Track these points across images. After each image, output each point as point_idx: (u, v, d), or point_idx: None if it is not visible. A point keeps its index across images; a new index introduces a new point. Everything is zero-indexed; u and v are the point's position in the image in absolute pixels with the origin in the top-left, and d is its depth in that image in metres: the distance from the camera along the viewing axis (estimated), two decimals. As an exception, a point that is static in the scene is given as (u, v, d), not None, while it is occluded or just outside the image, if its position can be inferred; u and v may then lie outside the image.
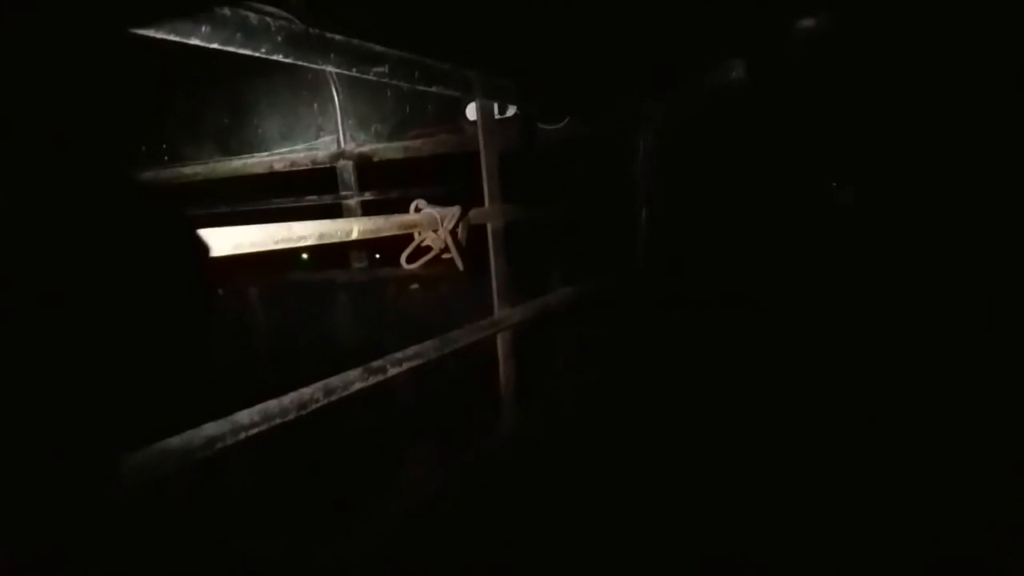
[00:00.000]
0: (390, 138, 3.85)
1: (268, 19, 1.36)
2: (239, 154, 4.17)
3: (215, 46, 1.27)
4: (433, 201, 2.06)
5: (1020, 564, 2.14)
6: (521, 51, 3.31)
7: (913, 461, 2.75)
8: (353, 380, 1.65)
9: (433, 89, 2.08)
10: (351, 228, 1.67)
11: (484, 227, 2.37)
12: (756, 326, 3.76)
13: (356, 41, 1.64)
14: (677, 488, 2.71)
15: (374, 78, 1.76)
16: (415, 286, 3.27)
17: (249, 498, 3.01)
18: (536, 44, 3.46)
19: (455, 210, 2.04)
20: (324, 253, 3.97)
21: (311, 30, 1.50)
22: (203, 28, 1.23)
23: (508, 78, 2.44)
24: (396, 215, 1.93)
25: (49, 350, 1.12)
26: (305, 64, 1.54)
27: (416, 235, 2.05)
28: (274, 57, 1.40)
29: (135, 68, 3.67)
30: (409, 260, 2.09)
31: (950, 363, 3.35)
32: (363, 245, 3.84)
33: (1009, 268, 3.59)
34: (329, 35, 1.55)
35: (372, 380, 1.71)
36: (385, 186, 3.85)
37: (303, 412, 1.47)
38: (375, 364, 1.75)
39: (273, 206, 4.11)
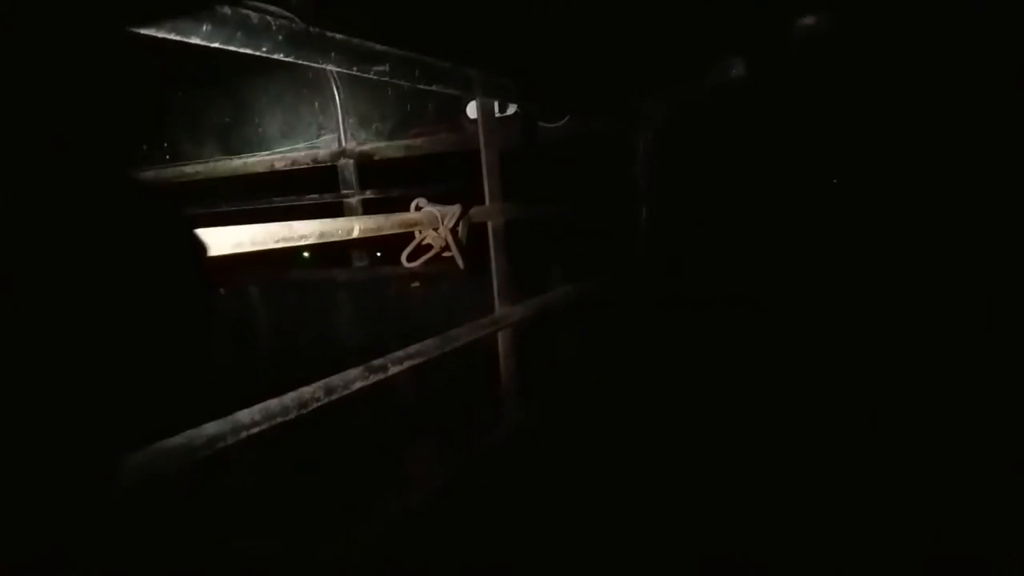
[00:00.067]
0: (391, 136, 3.85)
1: (269, 18, 1.36)
2: (240, 153, 4.17)
3: (216, 45, 1.27)
4: (434, 199, 2.06)
5: (1021, 564, 2.14)
6: (521, 50, 3.31)
7: (913, 460, 2.75)
8: (354, 379, 1.65)
9: (434, 88, 2.08)
10: (352, 227, 1.67)
11: (485, 225, 2.38)
12: (756, 326, 3.76)
13: (356, 40, 1.64)
14: (677, 488, 2.71)
15: (375, 77, 1.76)
16: (416, 284, 3.27)
17: (250, 497, 3.01)
18: (536, 43, 3.46)
19: (456, 208, 2.04)
20: (325, 251, 3.97)
21: (311, 29, 1.50)
22: (204, 27, 1.23)
23: (508, 77, 2.45)
24: (397, 214, 1.93)
25: (50, 350, 1.12)
26: (306, 63, 1.54)
27: (417, 233, 2.06)
28: (275, 56, 1.40)
29: (136, 67, 3.67)
30: (410, 258, 2.09)
31: (951, 362, 3.35)
32: (364, 243, 3.84)
33: (1011, 267, 3.58)
34: (329, 34, 1.55)
35: (373, 379, 1.71)
36: (386, 184, 3.85)
37: (304, 411, 1.48)
38: (376, 362, 1.75)
39: (274, 205, 4.12)
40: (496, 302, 2.42)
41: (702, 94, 3.83)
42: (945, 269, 3.71)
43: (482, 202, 2.35)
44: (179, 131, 4.32)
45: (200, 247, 1.24)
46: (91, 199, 1.32)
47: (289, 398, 1.46)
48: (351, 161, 3.86)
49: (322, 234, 1.56)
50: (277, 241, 1.43)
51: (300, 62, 1.51)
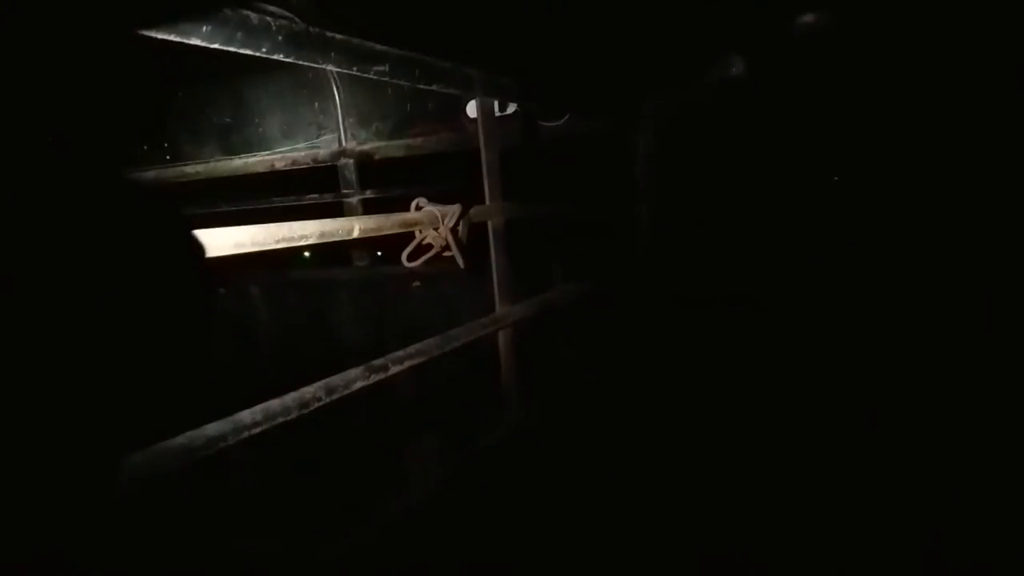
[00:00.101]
0: (391, 136, 3.85)
1: (269, 19, 1.36)
2: (240, 153, 4.17)
3: (216, 46, 1.27)
4: (434, 199, 2.06)
5: (1021, 564, 2.14)
6: (521, 48, 3.31)
7: (915, 459, 2.75)
8: (355, 378, 1.66)
9: (434, 87, 2.09)
10: (352, 227, 1.67)
11: (485, 225, 2.38)
12: (756, 326, 3.76)
13: (356, 40, 1.65)
14: (677, 487, 2.72)
15: (375, 77, 1.76)
16: (416, 284, 3.27)
17: (251, 497, 3.01)
18: (536, 41, 3.46)
19: (456, 208, 2.04)
20: (326, 251, 3.98)
21: (311, 29, 1.50)
22: (204, 28, 1.23)
23: (508, 76, 2.45)
24: (397, 213, 1.93)
25: (51, 350, 1.12)
26: (306, 63, 1.54)
27: (417, 233, 2.06)
28: (275, 57, 1.40)
29: (136, 67, 3.67)
30: (410, 258, 2.09)
31: (952, 361, 3.35)
32: (364, 243, 3.84)
33: (1013, 265, 3.58)
34: (329, 34, 1.55)
35: (374, 378, 1.72)
36: (386, 184, 3.85)
37: (305, 411, 1.48)
38: (377, 362, 1.75)
39: (274, 205, 4.12)
40: (496, 301, 2.42)
41: (702, 92, 3.82)
42: (947, 267, 3.71)
43: (482, 201, 2.35)
44: (179, 131, 4.33)
45: (201, 247, 1.24)
46: (92, 199, 1.32)
47: (290, 398, 1.46)
48: (351, 161, 3.86)
49: (322, 234, 1.57)
50: (278, 241, 1.43)
51: (300, 63, 1.51)
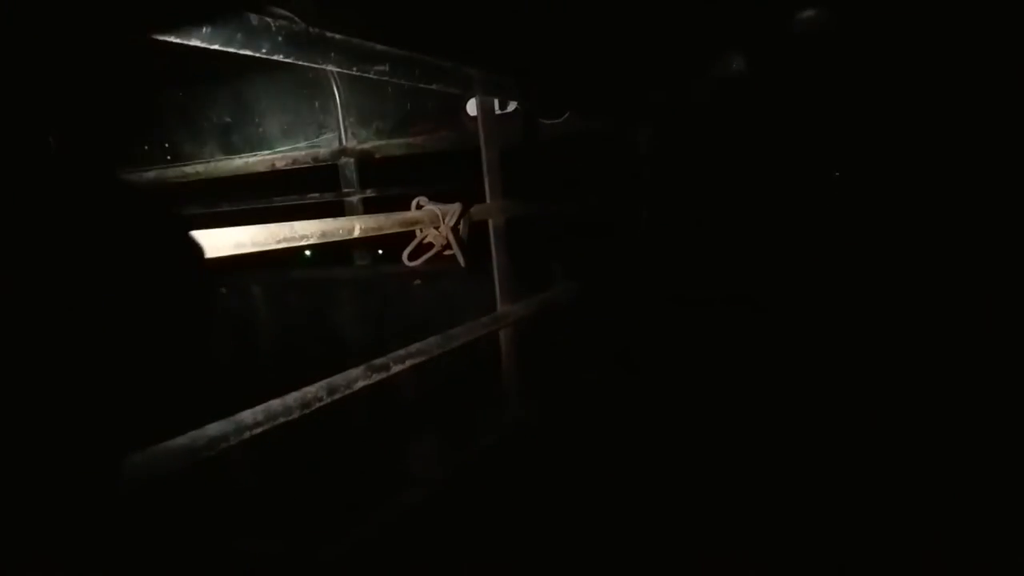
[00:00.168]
0: (391, 135, 3.85)
1: (268, 19, 1.36)
2: (241, 152, 4.17)
3: (216, 47, 1.27)
4: (435, 198, 2.06)
5: (1021, 564, 2.14)
6: (522, 47, 3.31)
7: (916, 459, 2.75)
8: (356, 378, 1.66)
9: (434, 87, 2.09)
10: (353, 226, 1.67)
11: (486, 223, 2.38)
12: (756, 325, 3.76)
13: (356, 40, 1.64)
14: (677, 487, 2.72)
15: (375, 76, 1.76)
16: (417, 283, 3.27)
17: (252, 497, 3.01)
18: (536, 40, 3.45)
19: (456, 207, 2.04)
20: (327, 250, 3.98)
21: (311, 29, 1.50)
22: (204, 29, 1.23)
23: (509, 74, 2.45)
24: (398, 212, 1.93)
25: (52, 350, 1.12)
26: (306, 64, 1.54)
27: (418, 232, 2.06)
28: (275, 57, 1.40)
29: (136, 67, 3.67)
30: (411, 257, 2.09)
31: (954, 360, 3.35)
32: (365, 242, 3.84)
33: (1014, 263, 3.57)
34: (329, 34, 1.55)
35: (375, 378, 1.72)
36: (387, 183, 3.85)
37: (306, 411, 1.48)
38: (378, 362, 1.75)
39: (275, 204, 4.12)
40: (498, 300, 2.42)
41: (703, 90, 3.82)
42: (948, 263, 3.70)
43: (483, 200, 2.35)
44: (180, 131, 4.32)
45: (201, 247, 1.24)
46: (92, 199, 1.32)
47: (292, 398, 1.46)
48: (352, 160, 3.86)
49: (323, 234, 1.57)
50: (279, 241, 1.43)
51: (300, 63, 1.51)
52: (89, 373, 1.19)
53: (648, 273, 3.65)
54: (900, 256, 3.83)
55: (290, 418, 1.44)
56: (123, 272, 1.32)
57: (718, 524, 2.46)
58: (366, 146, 3.87)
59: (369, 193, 3.85)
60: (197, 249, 1.24)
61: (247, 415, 1.34)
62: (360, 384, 1.66)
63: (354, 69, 1.69)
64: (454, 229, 2.04)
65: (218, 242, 1.28)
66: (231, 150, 4.20)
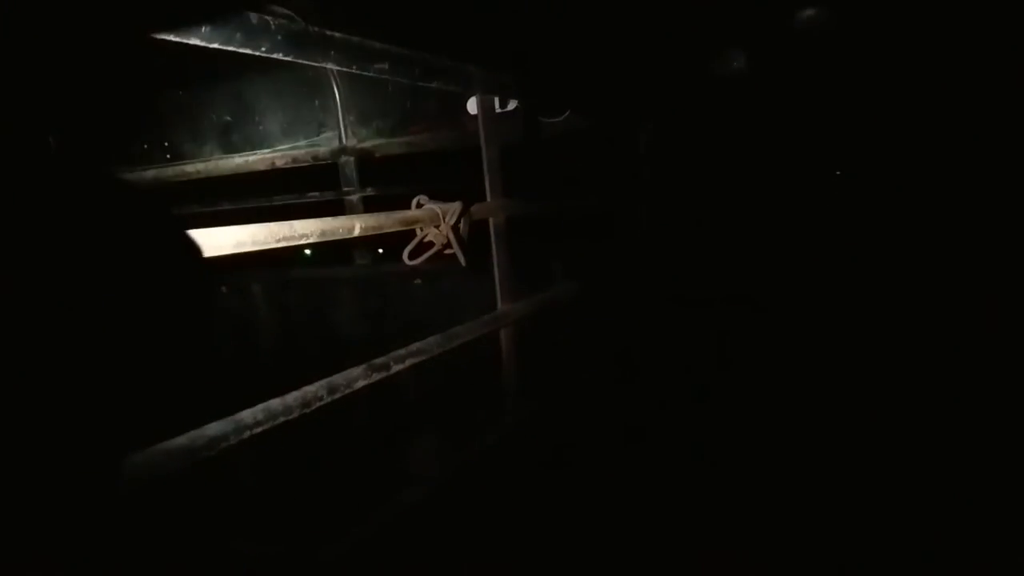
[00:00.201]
0: (392, 134, 3.85)
1: (268, 18, 1.36)
2: (241, 151, 4.17)
3: (215, 46, 1.27)
4: (435, 196, 2.05)
5: (1021, 564, 2.14)
6: (522, 45, 3.30)
7: (917, 459, 2.75)
8: (356, 377, 1.65)
9: (434, 85, 2.08)
10: (353, 225, 1.67)
11: (486, 222, 2.37)
12: (756, 325, 3.75)
13: (356, 38, 1.64)
14: (677, 487, 2.71)
15: (375, 75, 1.75)
16: (418, 282, 3.27)
17: (251, 497, 3.01)
18: (537, 38, 3.45)
19: (457, 205, 2.04)
20: (327, 249, 3.98)
21: (311, 28, 1.49)
22: (203, 28, 1.23)
23: (509, 72, 2.44)
24: (398, 211, 1.93)
25: (51, 350, 1.12)
26: (305, 62, 1.53)
27: (418, 231, 2.05)
28: (274, 56, 1.40)
29: (135, 65, 3.67)
30: (411, 256, 2.09)
31: (956, 359, 3.34)
32: (366, 241, 3.84)
33: (1015, 262, 3.57)
34: (329, 33, 1.55)
35: (376, 377, 1.71)
36: (387, 182, 3.85)
37: (307, 410, 1.48)
38: (378, 361, 1.75)
39: (275, 203, 4.12)
40: (498, 299, 2.42)
41: (703, 88, 3.82)
42: (949, 262, 3.70)
43: (483, 199, 2.34)
44: (179, 129, 4.32)
45: (201, 246, 1.24)
46: (91, 198, 1.32)
47: (292, 397, 1.46)
48: (352, 158, 3.86)
49: (323, 233, 1.56)
50: (278, 240, 1.42)
51: (300, 61, 1.51)
52: (88, 373, 1.19)
53: (648, 273, 3.64)
54: (901, 255, 3.82)
55: (290, 417, 1.43)
56: (123, 271, 1.32)
57: (718, 524, 2.46)
58: (366, 145, 3.87)
59: (369, 192, 3.85)
60: (197, 248, 1.23)
61: (247, 414, 1.34)
62: (360, 383, 1.66)
63: (354, 67, 1.68)
64: (454, 228, 2.04)
65: (218, 241, 1.27)
66: (231, 149, 4.20)
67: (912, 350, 3.48)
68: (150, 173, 4.32)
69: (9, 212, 1.07)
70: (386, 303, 3.38)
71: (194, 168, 4.24)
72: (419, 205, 2.03)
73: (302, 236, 1.50)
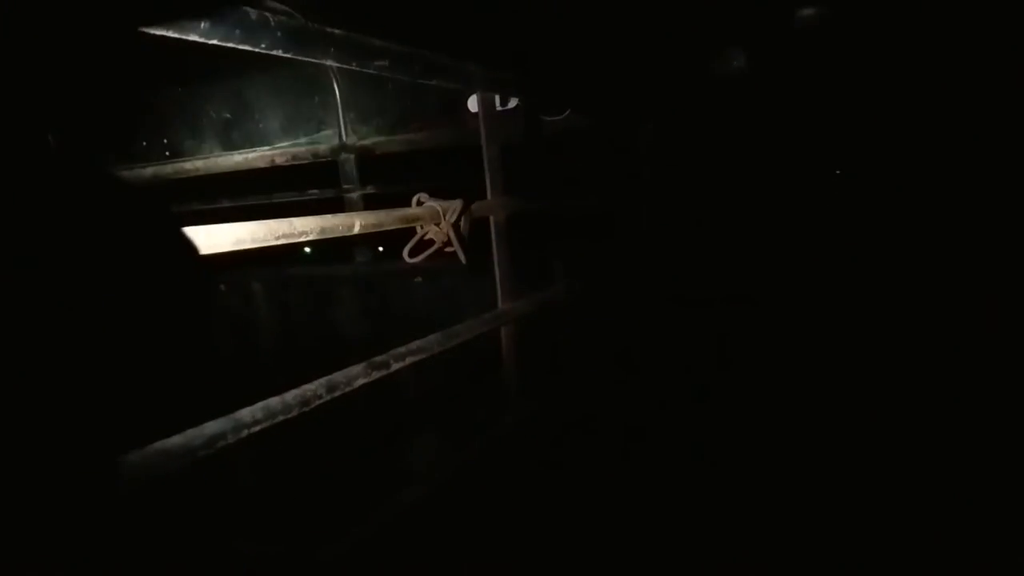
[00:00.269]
0: (392, 131, 3.84)
1: (267, 14, 1.35)
2: (240, 148, 4.16)
3: (214, 42, 1.26)
4: (435, 194, 2.05)
5: (1021, 564, 2.13)
6: (523, 43, 3.30)
7: (915, 459, 2.74)
8: (356, 375, 1.64)
9: (434, 82, 2.07)
10: (353, 222, 1.66)
11: (487, 220, 2.37)
12: (756, 325, 3.74)
13: (356, 35, 1.63)
14: (677, 487, 2.71)
15: (375, 72, 1.75)
16: (418, 280, 3.26)
17: (250, 496, 3.01)
18: (538, 36, 3.44)
19: (457, 203, 2.03)
20: (327, 247, 3.97)
21: (310, 24, 1.49)
22: (202, 24, 1.22)
23: (510, 70, 2.43)
24: (398, 209, 1.92)
25: (48, 348, 1.11)
26: (305, 59, 1.52)
27: (418, 229, 2.04)
28: (274, 53, 1.39)
29: (135, 62, 3.66)
30: (412, 254, 2.08)
31: (953, 359, 3.34)
32: (366, 239, 3.83)
33: (1013, 262, 3.56)
34: (329, 29, 1.54)
35: (375, 375, 1.70)
36: (387, 180, 3.84)
37: (306, 408, 1.47)
38: (378, 359, 1.74)
39: (275, 201, 4.11)
40: (499, 297, 2.41)
41: (704, 87, 3.81)
42: (949, 261, 3.69)
43: (484, 197, 2.34)
44: (179, 127, 4.31)
45: (200, 244, 1.23)
46: (90, 196, 1.31)
47: (291, 396, 1.45)
48: (352, 156, 3.86)
49: (323, 230, 1.55)
50: (278, 238, 1.42)
51: (299, 58, 1.50)
52: (85, 370, 1.18)
53: (648, 272, 3.64)
54: (901, 255, 3.82)
55: (289, 416, 1.42)
56: (122, 269, 1.31)
57: (718, 524, 2.45)
58: (366, 142, 3.86)
59: (369, 190, 3.85)
60: (196, 245, 1.23)
61: (246, 413, 1.33)
62: (360, 382, 1.65)
63: (354, 64, 1.67)
64: (455, 226, 2.03)
65: (217, 238, 1.26)
66: (230, 146, 4.19)
67: (912, 350, 3.47)
68: (149, 170, 4.32)
69: (8, 210, 1.06)
70: (386, 301, 3.37)
71: (193, 165, 4.24)
72: (419, 203, 2.02)
73: (301, 233, 1.49)
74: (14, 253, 1.05)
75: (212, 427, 1.25)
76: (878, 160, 3.93)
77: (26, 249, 1.07)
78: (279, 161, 4.04)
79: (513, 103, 3.32)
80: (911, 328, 3.60)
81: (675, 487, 2.69)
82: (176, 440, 1.18)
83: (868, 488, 2.57)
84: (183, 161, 4.27)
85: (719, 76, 3.81)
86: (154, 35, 1.16)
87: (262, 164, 4.09)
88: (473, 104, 3.16)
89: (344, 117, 3.88)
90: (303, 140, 4.01)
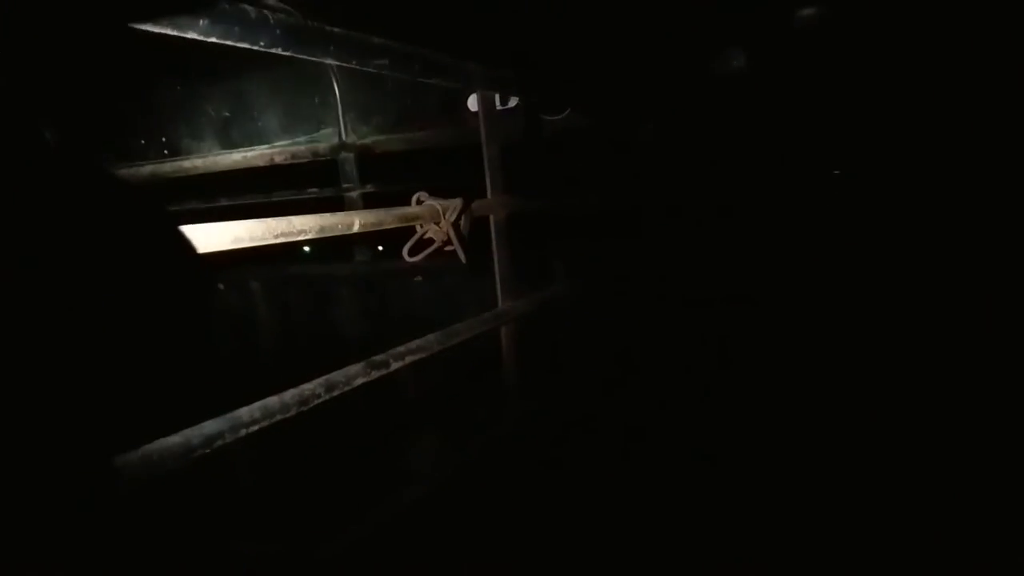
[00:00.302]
0: (392, 130, 3.84)
1: (267, 12, 1.34)
2: (240, 147, 4.15)
3: (213, 40, 1.26)
4: (435, 193, 2.04)
5: (1021, 564, 2.13)
6: (523, 42, 3.29)
7: (915, 459, 2.74)
8: (355, 375, 1.64)
9: (434, 81, 2.07)
10: (352, 221, 1.66)
11: (487, 219, 2.36)
12: (757, 325, 3.74)
13: (356, 34, 1.63)
14: (677, 487, 2.70)
15: (374, 70, 1.74)
16: (418, 279, 3.26)
17: (249, 495, 3.00)
18: (538, 35, 3.44)
19: (457, 202, 2.03)
20: (326, 246, 3.97)
21: (310, 23, 1.48)
22: (201, 22, 1.21)
23: (510, 69, 2.43)
24: (398, 207, 1.92)
25: (47, 348, 1.11)
26: (304, 58, 1.52)
27: (418, 228, 2.04)
28: (273, 51, 1.39)
29: (134, 60, 3.65)
30: (411, 253, 2.08)
31: (953, 359, 3.33)
32: (365, 238, 3.83)
33: (1014, 262, 3.56)
34: (328, 28, 1.53)
35: (375, 374, 1.70)
36: (387, 179, 3.84)
37: (304, 408, 1.46)
38: (378, 358, 1.73)
39: (274, 199, 4.11)
40: (499, 297, 2.40)
41: (704, 87, 3.80)
42: (949, 261, 3.69)
43: (484, 196, 2.33)
44: (177, 125, 4.30)
45: (198, 243, 1.23)
46: (88, 194, 1.31)
47: (289, 395, 1.44)
48: (351, 155, 3.85)
49: (322, 229, 1.55)
50: (276, 236, 1.41)
51: (299, 56, 1.49)
52: (84, 370, 1.18)
53: (648, 272, 3.63)
54: (901, 255, 3.81)
55: (288, 415, 1.42)
56: (120, 268, 1.31)
57: (719, 524, 2.45)
58: (366, 141, 3.86)
59: (369, 188, 3.84)
60: (194, 244, 1.22)
61: (244, 412, 1.33)
62: (359, 381, 1.64)
63: (353, 63, 1.67)
64: (455, 225, 2.03)
65: (215, 236, 1.26)
66: (229, 144, 4.19)
67: (912, 350, 3.47)
68: (148, 169, 4.31)
69: (5, 208, 1.06)
70: (386, 300, 3.37)
71: (192, 164, 4.23)
72: (419, 201, 2.02)
73: (301, 232, 1.49)
74: (13, 252, 1.05)
75: (210, 426, 1.25)
76: (878, 160, 3.92)
77: (25, 248, 1.07)
78: (278, 160, 4.04)
79: (513, 102, 3.32)
80: (911, 328, 3.59)
81: (675, 487, 2.68)
82: (174, 439, 1.18)
83: (869, 488, 2.57)
84: (182, 160, 4.26)
85: (719, 76, 3.80)
86: (153, 33, 1.16)
87: (261, 163, 4.09)
88: (473, 103, 3.16)
89: (344, 116, 3.88)
90: (302, 139, 4.01)
